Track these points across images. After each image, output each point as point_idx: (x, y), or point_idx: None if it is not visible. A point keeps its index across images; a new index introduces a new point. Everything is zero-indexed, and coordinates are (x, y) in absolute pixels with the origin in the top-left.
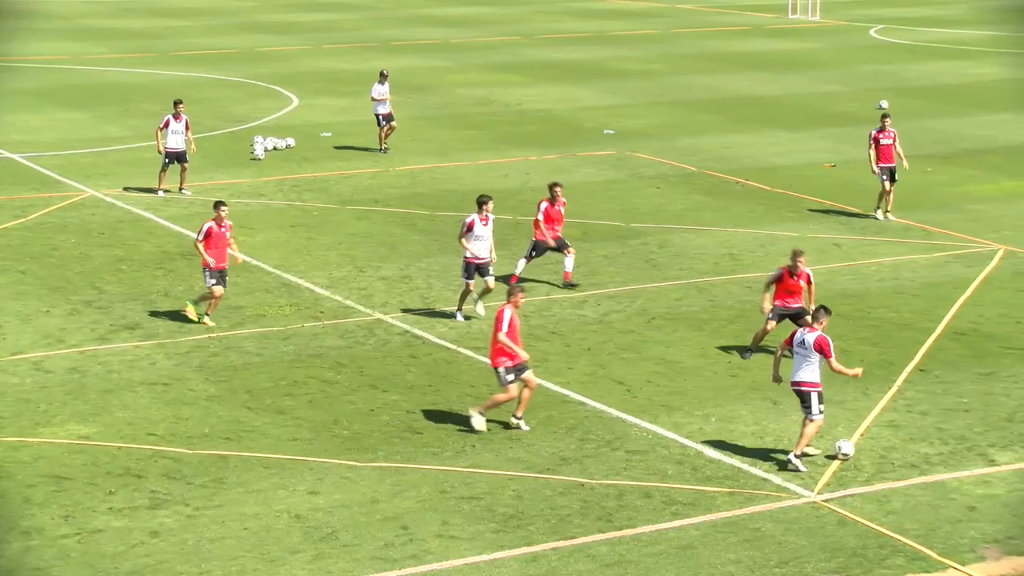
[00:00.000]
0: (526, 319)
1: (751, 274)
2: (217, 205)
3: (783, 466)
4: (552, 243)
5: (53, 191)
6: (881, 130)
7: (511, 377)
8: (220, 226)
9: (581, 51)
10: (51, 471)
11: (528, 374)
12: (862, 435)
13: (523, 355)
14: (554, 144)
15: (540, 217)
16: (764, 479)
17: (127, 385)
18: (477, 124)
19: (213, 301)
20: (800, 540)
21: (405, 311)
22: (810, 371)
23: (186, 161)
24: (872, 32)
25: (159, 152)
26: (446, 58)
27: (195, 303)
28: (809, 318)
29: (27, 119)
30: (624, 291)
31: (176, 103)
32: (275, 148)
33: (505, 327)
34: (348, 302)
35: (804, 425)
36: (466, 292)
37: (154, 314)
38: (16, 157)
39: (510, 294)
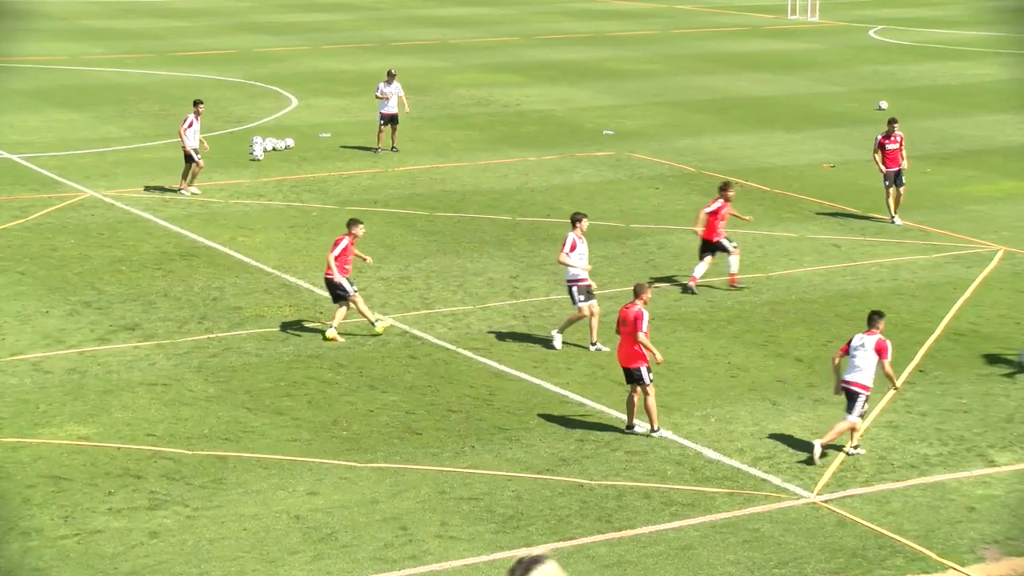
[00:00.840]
0: (525, 319)
1: (751, 275)
2: (353, 223)
3: (809, 462)
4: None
5: (52, 192)
6: (888, 135)
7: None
8: (353, 243)
9: (580, 52)
10: (50, 472)
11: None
12: (862, 436)
13: (659, 356)
14: (553, 145)
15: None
16: (763, 480)
17: (126, 386)
18: (476, 125)
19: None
20: (799, 541)
21: (404, 311)
22: (863, 373)
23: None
24: (871, 33)
25: (184, 151)
26: (445, 59)
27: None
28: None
29: (26, 120)
30: (623, 291)
31: (196, 103)
32: (274, 149)
33: (645, 326)
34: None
35: (841, 421)
36: (578, 318)
37: (153, 315)
38: (15, 158)
39: (639, 293)
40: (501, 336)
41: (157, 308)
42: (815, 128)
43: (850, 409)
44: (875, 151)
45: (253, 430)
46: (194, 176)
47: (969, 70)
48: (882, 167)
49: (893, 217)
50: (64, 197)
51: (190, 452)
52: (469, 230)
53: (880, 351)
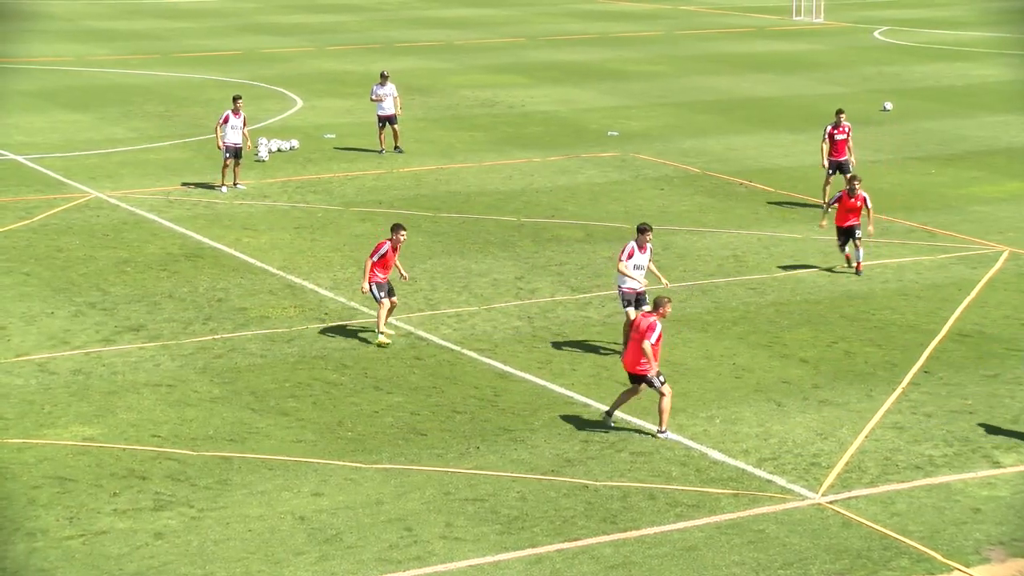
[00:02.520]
0: (529, 320)
1: (755, 276)
2: (396, 228)
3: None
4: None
5: (57, 193)
6: (836, 125)
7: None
8: (395, 249)
9: (584, 53)
10: (55, 472)
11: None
12: (866, 437)
13: (654, 367)
14: (557, 146)
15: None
16: (768, 481)
17: (131, 387)
18: (480, 126)
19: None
20: (804, 542)
21: (409, 313)
22: None
23: (241, 157)
24: (875, 34)
25: (219, 147)
26: (449, 60)
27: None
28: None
29: (31, 121)
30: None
31: (235, 98)
32: (279, 150)
33: (654, 338)
34: (352, 304)
35: None
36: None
37: (158, 316)
38: (20, 159)
39: (658, 305)
40: (506, 337)
41: (162, 309)
42: (819, 129)
43: None
44: (823, 140)
45: (258, 431)
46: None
47: (973, 71)
48: (827, 157)
49: (825, 204)
50: (69, 198)
51: (195, 453)
52: (474, 231)
53: None
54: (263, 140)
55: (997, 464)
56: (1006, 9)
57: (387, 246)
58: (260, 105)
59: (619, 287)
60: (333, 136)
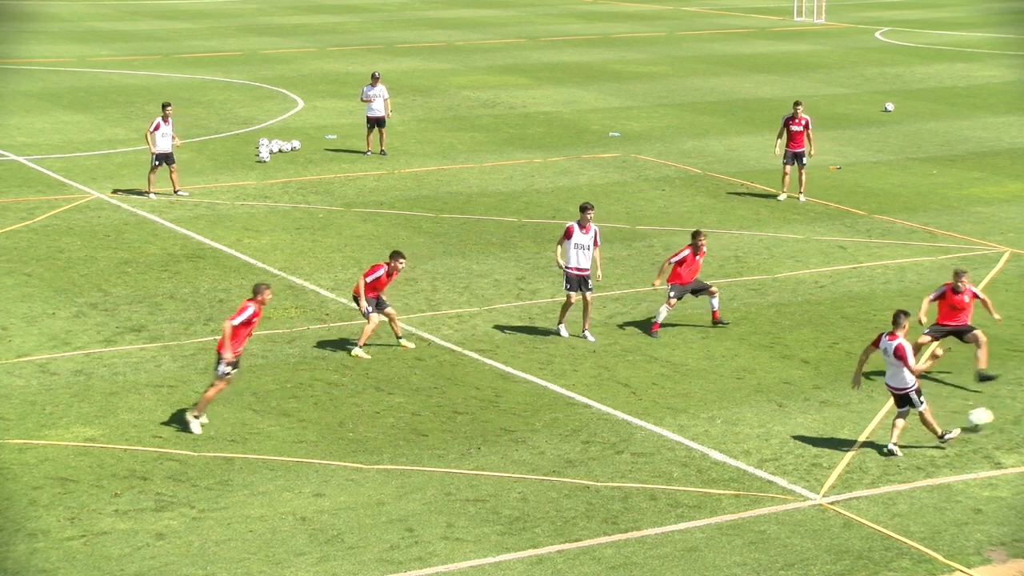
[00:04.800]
0: (531, 320)
1: (756, 276)
2: (396, 255)
3: (886, 452)
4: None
5: (58, 193)
6: (792, 117)
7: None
8: (390, 276)
9: (586, 54)
10: (57, 473)
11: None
12: (867, 437)
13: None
14: (559, 146)
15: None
16: (769, 482)
17: (132, 387)
18: (482, 126)
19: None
20: (805, 542)
21: (411, 314)
22: (896, 377)
23: (174, 162)
24: (877, 34)
25: (152, 154)
26: (451, 60)
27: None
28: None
29: (32, 121)
30: (629, 293)
31: (165, 105)
32: (280, 150)
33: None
34: (353, 304)
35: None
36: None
37: (159, 316)
38: (22, 160)
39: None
40: (507, 338)
41: (163, 310)
42: (821, 130)
43: (906, 405)
44: (779, 133)
45: (259, 432)
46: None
47: (975, 72)
48: (778, 148)
49: (783, 194)
50: (71, 199)
51: (196, 454)
52: (475, 232)
53: (901, 357)
54: (264, 141)
55: (998, 465)
56: (1008, 10)
57: (383, 271)
58: (261, 106)
59: (564, 268)
60: (334, 137)
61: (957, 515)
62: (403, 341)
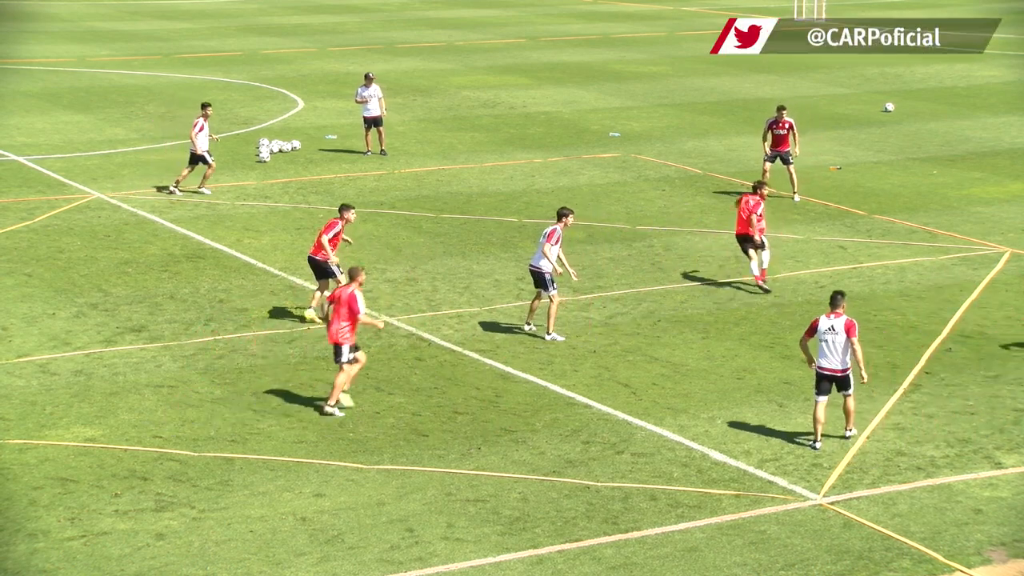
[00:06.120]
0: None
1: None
2: (344, 209)
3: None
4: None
5: (59, 193)
6: (776, 122)
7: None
8: (343, 229)
9: (586, 54)
10: (57, 473)
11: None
12: (868, 438)
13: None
14: (559, 146)
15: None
16: (770, 482)
17: (133, 387)
18: (482, 126)
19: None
20: (806, 543)
21: (411, 314)
22: (839, 358)
23: (210, 163)
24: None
25: (198, 153)
26: (451, 60)
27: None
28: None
29: (32, 122)
30: (629, 293)
31: (205, 105)
32: (280, 150)
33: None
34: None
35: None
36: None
37: (160, 317)
38: (22, 160)
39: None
40: (507, 338)
41: (163, 310)
42: (821, 130)
43: (846, 388)
44: (763, 137)
45: (259, 432)
46: (205, 177)
47: (975, 72)
48: (767, 149)
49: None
50: (71, 199)
51: (196, 454)
52: (475, 232)
53: (849, 330)
54: (264, 141)
55: (999, 465)
56: (1008, 10)
57: (339, 225)
58: (261, 106)
59: (546, 271)
60: (335, 137)
61: (957, 515)
62: (308, 312)
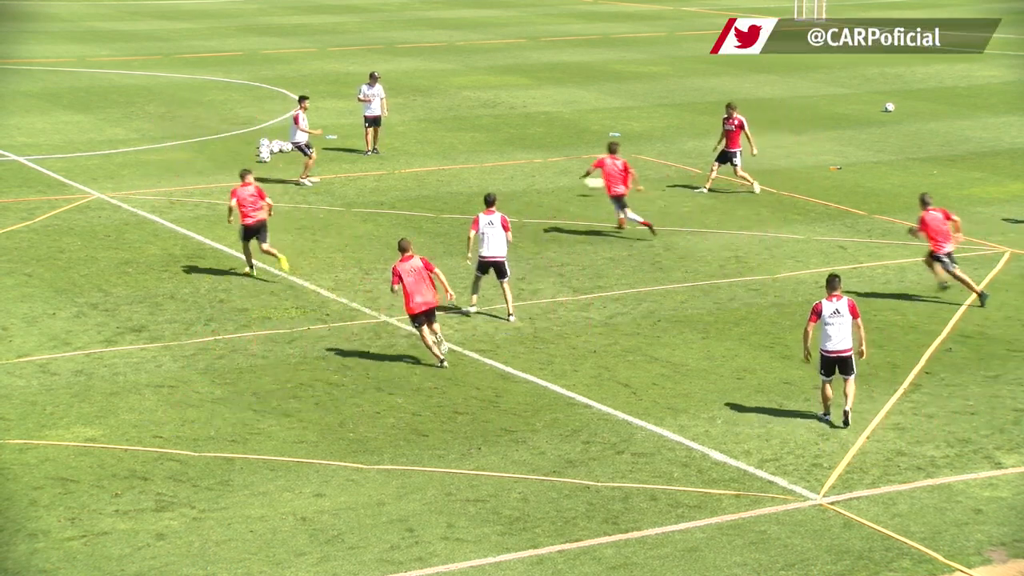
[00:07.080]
0: (531, 321)
1: (757, 276)
2: (301, 98)
3: (840, 424)
4: None
5: (59, 194)
6: (727, 118)
7: None
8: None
9: (586, 54)
10: (57, 473)
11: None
12: (868, 438)
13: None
14: (559, 146)
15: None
16: (770, 482)
17: (133, 387)
18: (482, 127)
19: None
20: (806, 543)
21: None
22: (848, 338)
23: (309, 154)
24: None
25: (298, 145)
26: (451, 60)
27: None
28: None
29: (32, 122)
30: (630, 293)
31: (303, 99)
32: (280, 150)
33: None
34: (354, 304)
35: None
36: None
37: (160, 317)
38: (22, 160)
39: None
40: (507, 338)
41: (164, 310)
42: (821, 130)
43: (849, 370)
44: (721, 138)
45: (260, 432)
46: (308, 168)
47: (975, 72)
48: (720, 147)
49: (706, 188)
50: (71, 199)
51: (197, 454)
52: None
53: (853, 311)
54: (264, 141)
55: (999, 465)
56: (1008, 10)
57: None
58: (262, 106)
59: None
60: (335, 137)
61: (957, 515)
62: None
